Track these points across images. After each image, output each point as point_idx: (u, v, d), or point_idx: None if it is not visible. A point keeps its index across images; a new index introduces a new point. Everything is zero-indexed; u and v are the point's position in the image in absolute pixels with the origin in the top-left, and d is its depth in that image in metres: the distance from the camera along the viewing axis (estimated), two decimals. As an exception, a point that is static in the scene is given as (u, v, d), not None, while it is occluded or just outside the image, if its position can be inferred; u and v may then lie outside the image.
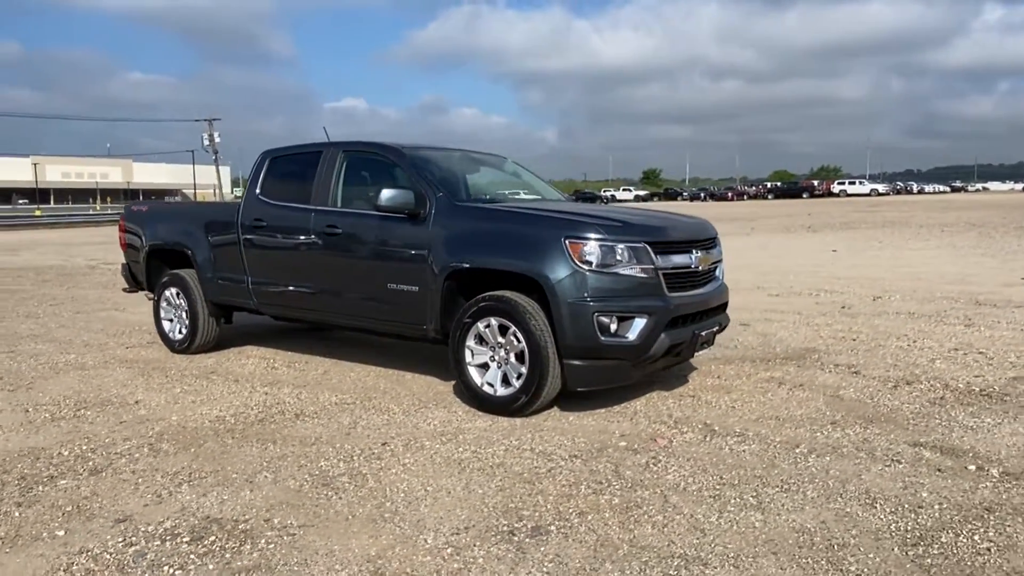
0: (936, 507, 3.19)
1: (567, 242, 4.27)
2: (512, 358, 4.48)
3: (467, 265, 4.63)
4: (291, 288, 5.72)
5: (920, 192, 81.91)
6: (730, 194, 72.66)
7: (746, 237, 21.70)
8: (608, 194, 78.01)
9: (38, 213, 52.30)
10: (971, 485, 3.42)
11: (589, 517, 3.16)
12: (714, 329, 4.81)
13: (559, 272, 4.26)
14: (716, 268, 5.08)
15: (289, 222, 5.68)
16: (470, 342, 4.63)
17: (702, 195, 75.23)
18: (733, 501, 3.30)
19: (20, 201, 77.01)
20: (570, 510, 3.23)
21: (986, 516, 3.10)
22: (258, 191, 6.02)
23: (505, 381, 4.54)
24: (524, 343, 4.37)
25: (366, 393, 5.19)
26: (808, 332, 7.14)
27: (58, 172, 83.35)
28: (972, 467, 3.64)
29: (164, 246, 6.69)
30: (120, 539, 3.04)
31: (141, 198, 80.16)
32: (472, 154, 6.13)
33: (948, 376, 5.35)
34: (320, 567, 2.78)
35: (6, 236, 29.31)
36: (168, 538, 3.04)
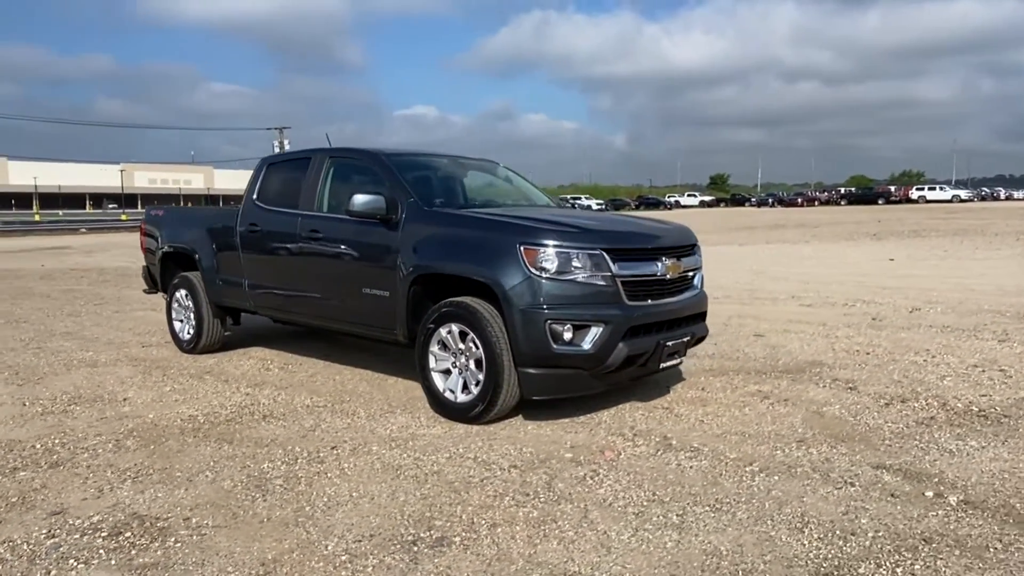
0: (870, 535, 2.99)
1: (522, 248, 4.21)
2: (472, 365, 4.45)
3: (430, 270, 4.63)
4: (281, 290, 5.85)
5: (1008, 198, 77.28)
6: (800, 200, 70.19)
7: (804, 245, 20.99)
8: (672, 199, 76.77)
9: (124, 218, 55.25)
10: (920, 513, 3.19)
11: (499, 530, 3.09)
12: (684, 340, 4.64)
13: (512, 278, 4.20)
14: (694, 276, 4.91)
15: (279, 226, 5.81)
16: (433, 347, 4.62)
17: (770, 201, 72.96)
18: (655, 519, 3.17)
19: (110, 206, 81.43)
20: (484, 522, 3.16)
21: (920, 547, 2.88)
22: (255, 197, 6.18)
23: (465, 388, 4.51)
24: (481, 350, 4.33)
25: (341, 396, 5.24)
26: (822, 344, 6.82)
27: (145, 179, 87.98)
28: (930, 493, 3.39)
29: (175, 249, 6.94)
30: (45, 531, 3.15)
31: (221, 203, 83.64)
32: (461, 160, 6.12)
33: (951, 394, 5.01)
34: (213, 568, 2.81)
35: (91, 239, 31.09)
36: (88, 532, 3.13)
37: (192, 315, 6.77)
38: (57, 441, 4.36)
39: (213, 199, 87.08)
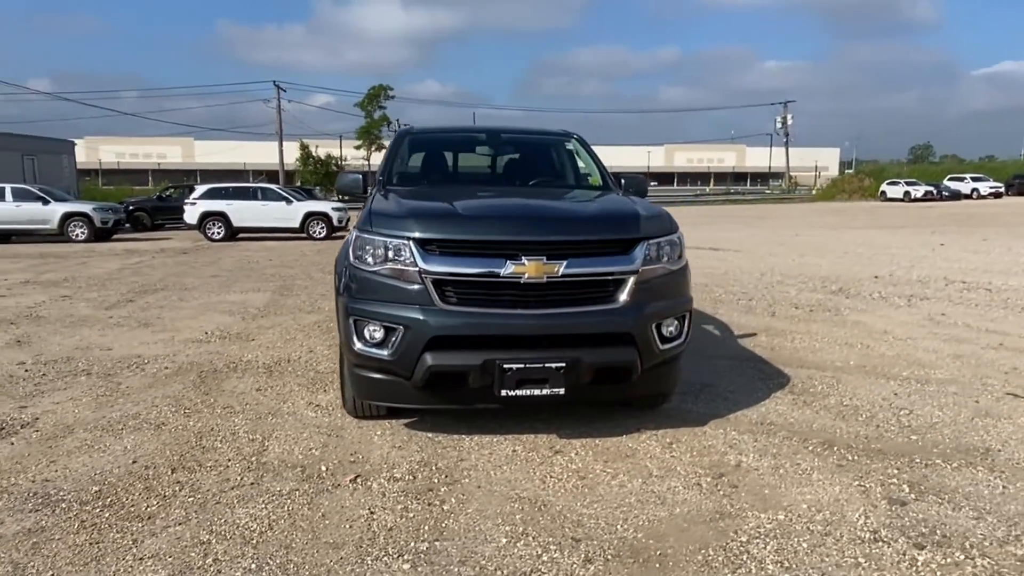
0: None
1: (355, 235, 3.78)
2: (351, 354, 4.19)
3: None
4: None
5: None
6: None
7: None
8: None
9: (646, 193, 61.06)
10: None
11: (105, 516, 3.06)
12: (556, 367, 3.41)
13: (341, 266, 3.82)
14: (613, 286, 3.55)
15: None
16: (353, 331, 4.47)
17: None
18: (191, 556, 2.69)
19: (651, 184, 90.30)
20: (97, 511, 3.15)
21: None
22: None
23: (356, 376, 4.26)
24: (343, 340, 4.07)
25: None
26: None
27: (684, 159, 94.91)
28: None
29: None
30: (-13, 417, 4.35)
31: (748, 183, 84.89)
32: (519, 137, 5.44)
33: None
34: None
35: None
36: (-7, 420, 4.21)
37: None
38: (148, 362, 5.68)
39: (740, 177, 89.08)
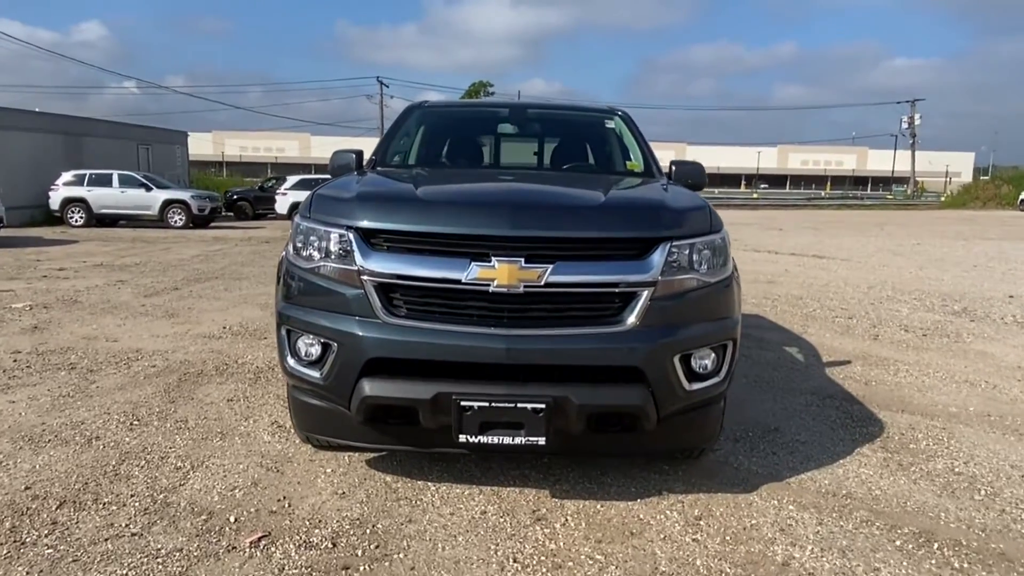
0: None
1: (295, 221, 3.01)
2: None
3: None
4: None
5: None
6: None
7: None
8: None
9: (755, 196, 58.28)
10: None
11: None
12: (532, 407, 2.49)
13: (280, 261, 3.06)
14: (620, 300, 2.59)
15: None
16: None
17: None
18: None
19: (762, 186, 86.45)
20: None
21: None
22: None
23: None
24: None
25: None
26: None
27: (798, 160, 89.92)
28: None
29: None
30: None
31: (868, 187, 79.67)
32: (545, 111, 4.49)
33: None
34: None
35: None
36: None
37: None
38: (141, 358, 5.18)
39: (860, 180, 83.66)
